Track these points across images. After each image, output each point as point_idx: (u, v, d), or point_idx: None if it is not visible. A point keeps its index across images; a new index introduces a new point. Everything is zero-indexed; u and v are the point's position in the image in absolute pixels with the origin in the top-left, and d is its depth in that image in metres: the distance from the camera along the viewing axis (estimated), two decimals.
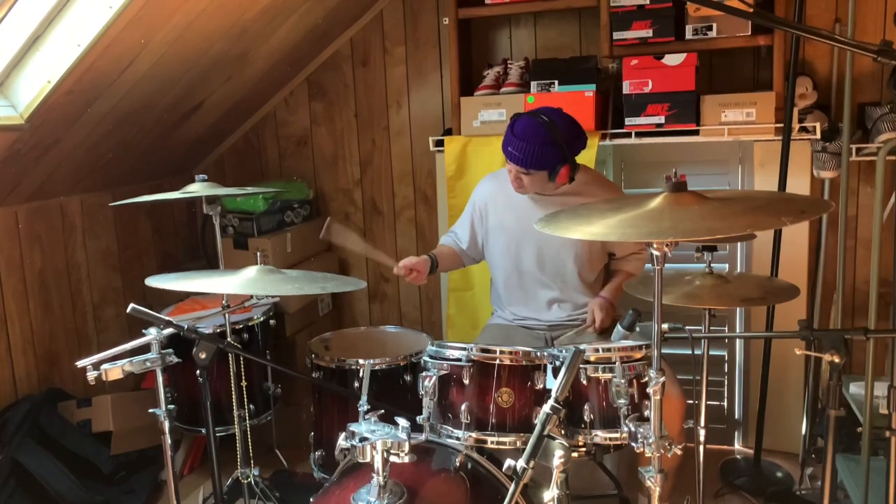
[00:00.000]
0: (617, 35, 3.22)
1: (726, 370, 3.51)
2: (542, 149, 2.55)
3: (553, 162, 2.58)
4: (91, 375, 1.88)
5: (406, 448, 1.74)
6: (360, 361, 2.56)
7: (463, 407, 1.96)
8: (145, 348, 2.01)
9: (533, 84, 3.38)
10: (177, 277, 2.31)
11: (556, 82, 3.33)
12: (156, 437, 2.18)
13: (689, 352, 2.17)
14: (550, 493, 1.73)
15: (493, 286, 2.98)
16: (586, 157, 3.03)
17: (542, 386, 1.95)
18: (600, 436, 1.95)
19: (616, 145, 3.37)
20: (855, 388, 2.94)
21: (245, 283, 2.20)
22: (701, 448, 2.40)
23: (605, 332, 2.65)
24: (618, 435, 1.94)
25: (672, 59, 3.14)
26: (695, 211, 1.60)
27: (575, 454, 1.99)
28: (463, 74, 3.55)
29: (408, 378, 2.62)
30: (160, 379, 2.04)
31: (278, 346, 3.34)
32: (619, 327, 2.10)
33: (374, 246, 3.97)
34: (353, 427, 1.80)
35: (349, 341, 2.96)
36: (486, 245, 2.90)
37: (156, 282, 2.22)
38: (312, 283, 2.28)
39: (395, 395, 2.59)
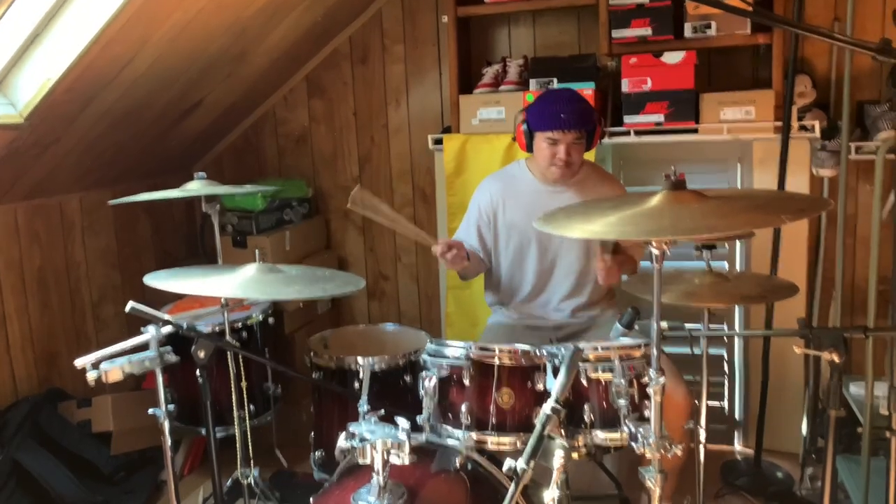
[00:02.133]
0: (616, 33, 3.22)
1: (726, 370, 3.51)
2: (584, 104, 2.65)
3: (594, 118, 2.65)
4: (91, 376, 1.88)
5: (406, 448, 1.74)
6: (360, 361, 2.56)
7: (463, 407, 1.95)
8: (144, 346, 2.00)
9: (532, 82, 3.38)
10: (175, 275, 2.30)
11: (555, 80, 3.33)
12: (156, 437, 2.17)
13: (689, 351, 2.17)
14: (550, 494, 1.73)
15: (491, 286, 2.96)
16: (587, 155, 3.03)
17: (542, 386, 1.95)
18: (600, 436, 1.94)
19: (615, 144, 3.36)
20: (855, 388, 2.95)
21: (244, 282, 2.20)
22: (701, 448, 2.40)
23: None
24: (618, 435, 1.93)
25: (671, 58, 3.14)
26: (694, 209, 1.60)
27: (575, 454, 1.98)
28: (462, 72, 3.55)
29: (408, 378, 2.62)
30: (160, 379, 2.04)
31: (277, 345, 3.33)
32: (617, 325, 2.10)
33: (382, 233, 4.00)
34: (353, 427, 1.80)
35: (348, 339, 2.96)
36: (494, 246, 2.85)
37: (154, 280, 2.21)
38: (312, 285, 2.27)
39: (395, 395, 2.59)
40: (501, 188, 2.83)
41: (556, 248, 2.76)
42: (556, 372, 1.87)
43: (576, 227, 1.71)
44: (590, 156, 3.15)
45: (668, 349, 2.66)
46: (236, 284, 2.20)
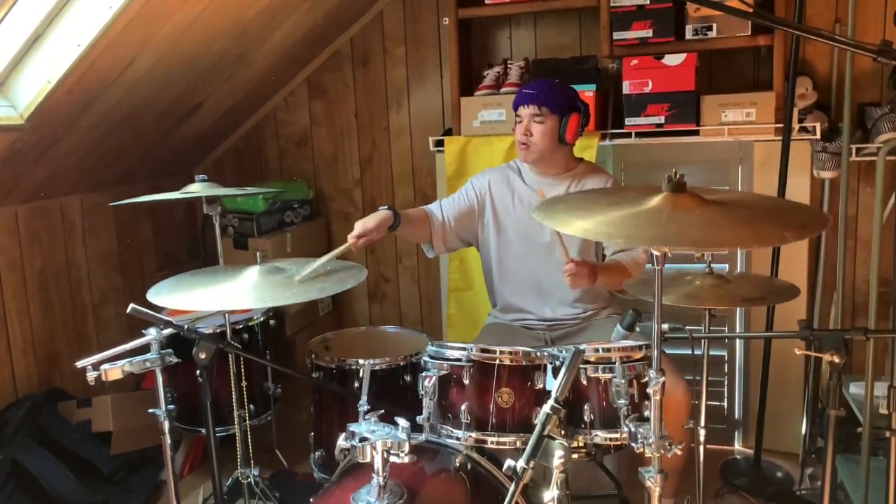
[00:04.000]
0: (617, 35, 3.22)
1: (726, 370, 3.51)
2: (555, 88, 2.64)
3: (565, 105, 2.62)
4: (91, 376, 1.88)
5: (406, 448, 1.74)
6: (360, 361, 2.56)
7: (463, 407, 1.95)
8: (145, 348, 2.01)
9: None
10: (178, 286, 2.26)
11: (557, 82, 3.33)
12: (156, 437, 2.18)
13: (690, 352, 2.17)
14: (550, 494, 1.73)
15: (488, 281, 2.93)
16: (587, 156, 3.04)
17: (542, 386, 1.95)
18: (600, 436, 1.94)
19: (616, 145, 3.37)
20: (855, 388, 2.94)
21: (247, 290, 2.18)
22: (701, 448, 2.40)
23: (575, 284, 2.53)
24: (618, 435, 1.93)
25: (672, 60, 3.15)
26: (697, 215, 1.59)
27: (575, 455, 1.98)
28: (463, 74, 3.55)
29: (408, 378, 2.62)
30: (160, 379, 2.04)
31: (278, 346, 3.33)
32: (619, 327, 2.10)
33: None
34: (353, 427, 1.80)
35: (349, 341, 2.96)
36: (479, 238, 2.85)
37: (157, 297, 2.17)
38: (313, 284, 2.25)
39: (395, 395, 2.59)
40: (499, 178, 2.84)
41: (549, 248, 2.74)
42: (556, 372, 1.87)
43: (574, 223, 1.68)
44: (590, 158, 3.16)
45: (669, 350, 2.65)
46: (239, 295, 2.17)
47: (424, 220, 2.78)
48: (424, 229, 2.77)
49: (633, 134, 3.25)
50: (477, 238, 2.86)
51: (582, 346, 1.89)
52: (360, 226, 2.50)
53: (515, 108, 2.69)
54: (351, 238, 2.48)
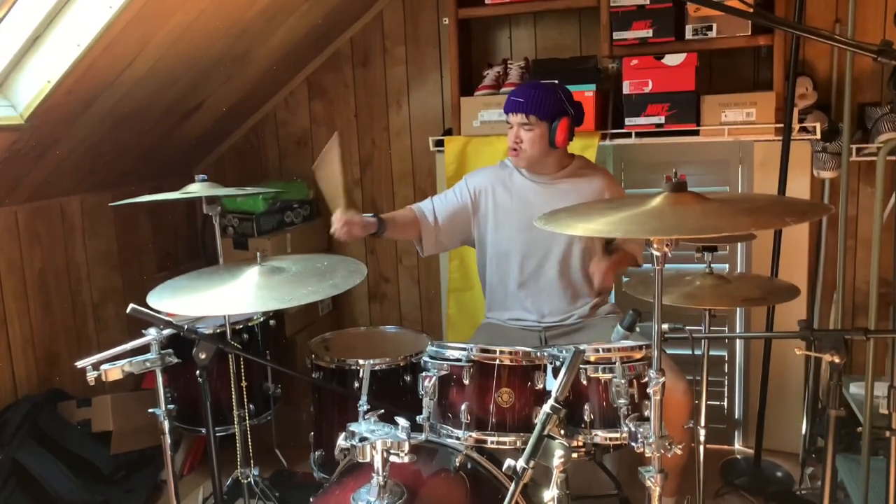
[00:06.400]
0: (617, 35, 3.22)
1: (726, 370, 3.51)
2: (544, 93, 2.63)
3: (554, 110, 2.62)
4: (91, 376, 1.88)
5: (406, 448, 1.74)
6: (360, 361, 2.56)
7: (463, 407, 1.95)
8: (145, 348, 2.01)
9: None
10: (178, 288, 2.25)
11: (556, 82, 3.33)
12: (156, 437, 2.18)
13: (690, 352, 2.17)
14: (550, 493, 1.73)
15: (484, 281, 2.93)
16: (587, 156, 3.04)
17: (542, 386, 1.95)
18: (600, 436, 1.94)
19: (616, 145, 3.37)
20: (855, 388, 2.95)
21: (248, 293, 2.16)
22: (701, 448, 2.40)
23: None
24: (618, 435, 1.93)
25: (672, 60, 3.15)
26: (696, 210, 1.60)
27: (575, 454, 1.98)
28: (463, 74, 3.55)
29: (408, 378, 2.62)
30: (160, 379, 2.04)
31: (278, 346, 3.33)
32: (619, 327, 2.10)
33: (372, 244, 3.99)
34: (352, 427, 1.80)
35: (349, 341, 2.96)
36: (475, 235, 2.84)
37: (158, 302, 2.16)
38: (320, 284, 2.23)
39: (395, 395, 2.59)
40: (496, 176, 2.84)
41: (546, 245, 2.74)
42: (556, 372, 1.87)
43: (577, 225, 1.71)
44: (590, 156, 3.16)
45: (669, 350, 2.66)
46: (241, 298, 2.15)
47: (413, 222, 2.79)
48: (413, 229, 2.79)
49: (633, 134, 3.25)
50: (472, 235, 2.86)
51: (582, 346, 1.89)
52: (349, 213, 2.53)
53: (506, 113, 2.69)
54: (337, 217, 2.51)
